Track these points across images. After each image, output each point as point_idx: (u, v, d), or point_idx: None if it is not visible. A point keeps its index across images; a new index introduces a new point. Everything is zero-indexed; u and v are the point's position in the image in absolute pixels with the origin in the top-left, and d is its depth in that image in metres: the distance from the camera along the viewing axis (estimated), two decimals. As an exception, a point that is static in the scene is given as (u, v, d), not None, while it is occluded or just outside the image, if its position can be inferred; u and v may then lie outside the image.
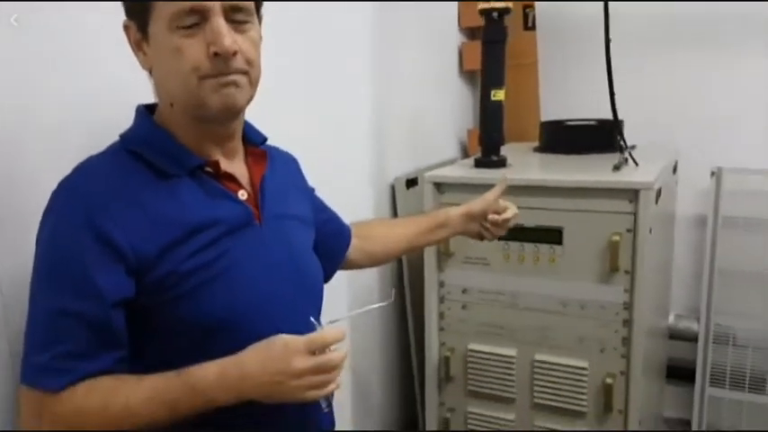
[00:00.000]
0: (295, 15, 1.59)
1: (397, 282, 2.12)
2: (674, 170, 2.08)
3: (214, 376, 0.83)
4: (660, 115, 2.37)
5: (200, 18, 0.85)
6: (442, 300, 1.82)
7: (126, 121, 0.96)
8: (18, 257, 0.96)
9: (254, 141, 1.04)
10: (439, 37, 2.41)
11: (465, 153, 2.57)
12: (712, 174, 2.23)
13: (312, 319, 0.91)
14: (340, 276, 1.31)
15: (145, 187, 0.89)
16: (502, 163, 1.82)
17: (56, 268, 0.85)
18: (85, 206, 0.85)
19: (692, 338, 2.36)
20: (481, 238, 1.39)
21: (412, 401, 2.17)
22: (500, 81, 1.80)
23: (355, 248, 1.32)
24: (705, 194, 2.27)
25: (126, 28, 0.92)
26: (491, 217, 1.35)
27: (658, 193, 1.65)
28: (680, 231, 2.35)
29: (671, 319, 2.40)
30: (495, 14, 1.76)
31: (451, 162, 2.37)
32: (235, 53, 0.87)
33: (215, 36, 0.85)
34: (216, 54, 0.85)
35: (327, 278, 1.20)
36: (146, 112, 0.96)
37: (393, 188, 2.10)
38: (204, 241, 0.89)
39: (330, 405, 0.96)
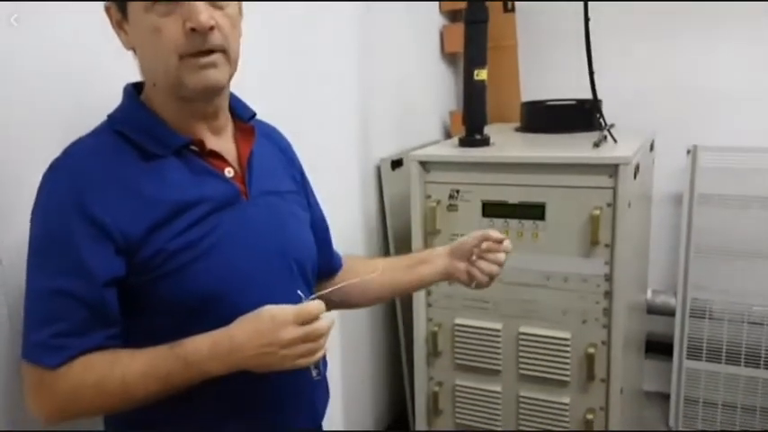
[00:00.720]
0: (281, 3, 1.61)
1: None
2: (651, 148, 2.13)
3: (206, 349, 0.85)
4: (638, 94, 2.43)
5: None
6: (428, 276, 1.86)
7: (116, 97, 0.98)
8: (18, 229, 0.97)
9: (241, 117, 1.04)
10: (421, 20, 2.44)
11: (447, 134, 2.61)
12: (688, 152, 2.29)
13: (299, 291, 0.91)
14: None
15: (131, 168, 0.91)
16: (485, 142, 1.87)
17: (48, 248, 0.87)
18: (74, 188, 0.87)
19: (669, 313, 2.43)
20: (471, 280, 1.20)
21: (400, 378, 2.21)
22: (482, 61, 1.84)
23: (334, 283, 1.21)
24: (681, 172, 2.33)
25: (107, 9, 0.93)
26: (486, 244, 1.18)
27: (636, 168, 1.70)
28: (657, 209, 2.42)
29: (649, 294, 2.47)
30: (477, -5, 1.79)
31: (435, 143, 2.41)
32: (212, 28, 0.87)
33: (191, 12, 0.85)
34: (193, 30, 0.86)
35: None
36: (133, 91, 0.97)
37: (379, 169, 2.14)
38: (191, 220, 0.91)
39: (320, 373, 0.98)
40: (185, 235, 0.90)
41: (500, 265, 1.19)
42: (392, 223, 2.15)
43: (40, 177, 0.90)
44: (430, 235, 1.83)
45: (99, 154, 0.91)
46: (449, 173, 1.80)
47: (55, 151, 0.92)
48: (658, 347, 2.51)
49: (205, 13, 0.86)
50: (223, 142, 1.00)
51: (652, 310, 2.47)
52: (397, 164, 2.20)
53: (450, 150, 1.87)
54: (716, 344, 2.34)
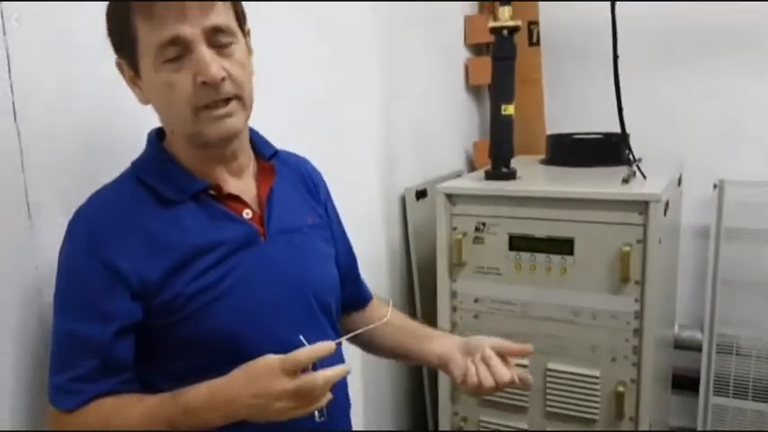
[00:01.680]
0: (305, 31, 1.63)
1: (407, 291, 2.15)
2: (679, 182, 2.12)
3: (203, 398, 0.86)
4: (664, 128, 2.42)
5: (183, 49, 0.86)
6: (454, 309, 1.85)
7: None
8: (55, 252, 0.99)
9: (262, 155, 1.05)
10: (446, 53, 2.45)
11: (471, 165, 2.61)
12: (715, 186, 2.27)
13: (301, 336, 0.89)
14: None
15: (149, 214, 0.93)
16: (512, 175, 1.86)
17: (69, 293, 0.91)
18: (93, 235, 0.91)
19: (696, 348, 2.39)
20: (462, 381, 1.09)
21: (422, 412, 2.19)
22: (510, 96, 1.84)
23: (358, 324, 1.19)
24: (708, 206, 2.31)
25: (119, 65, 0.94)
26: (488, 352, 1.08)
27: (666, 204, 1.69)
28: (684, 242, 2.40)
29: (675, 329, 2.44)
30: (505, 32, 1.80)
31: (458, 174, 2.41)
32: (223, 79, 0.88)
33: (200, 66, 0.86)
34: (204, 83, 0.87)
35: None
36: (155, 137, 1.00)
37: (403, 199, 2.14)
38: (208, 263, 0.92)
39: (325, 415, 0.93)
40: (203, 278, 0.92)
41: (498, 384, 1.06)
42: (416, 253, 2.14)
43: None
44: (455, 267, 1.82)
45: (119, 201, 0.94)
46: (475, 205, 1.79)
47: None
48: (685, 383, 2.47)
49: (214, 65, 0.87)
50: (243, 182, 1.01)
51: (678, 344, 2.43)
52: (421, 194, 2.20)
53: (476, 183, 1.86)
54: (743, 380, 2.31)
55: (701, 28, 2.38)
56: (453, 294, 1.85)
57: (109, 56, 1.09)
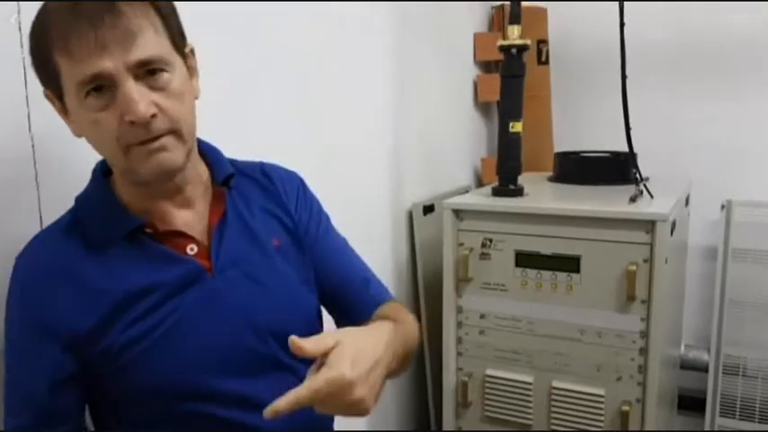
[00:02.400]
0: (314, 46, 1.64)
1: (413, 306, 2.15)
2: (687, 202, 2.12)
3: None
4: (671, 147, 2.43)
5: (108, 84, 0.79)
6: (459, 325, 1.85)
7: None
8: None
9: (216, 181, 0.96)
10: (455, 69, 2.47)
11: (479, 181, 2.62)
12: (723, 206, 2.27)
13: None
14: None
15: (79, 259, 0.87)
16: (519, 192, 1.87)
17: (8, 346, 0.89)
18: (24, 290, 0.87)
19: (702, 369, 2.38)
20: None
21: (426, 414, 2.18)
22: (518, 114, 1.85)
23: None
24: (716, 226, 2.31)
25: (47, 97, 0.87)
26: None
27: (673, 224, 1.69)
28: (691, 262, 2.39)
29: (681, 349, 2.43)
30: (514, 51, 1.81)
31: (466, 189, 2.42)
32: (154, 116, 0.80)
33: (127, 104, 0.78)
34: (132, 122, 0.79)
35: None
36: (100, 170, 0.94)
37: (410, 214, 2.14)
38: (142, 309, 0.86)
39: None
40: (137, 326, 0.86)
41: None
42: (422, 268, 2.15)
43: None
44: (462, 282, 1.83)
45: (51, 250, 0.89)
46: (482, 221, 1.80)
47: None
48: (691, 404, 2.45)
49: (142, 103, 0.79)
50: (192, 213, 0.93)
51: (685, 365, 2.42)
52: (428, 209, 2.20)
53: (483, 199, 1.87)
54: (749, 401, 2.29)
55: (710, 48, 2.39)
56: (459, 310, 1.85)
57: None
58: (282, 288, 0.97)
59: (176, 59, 0.84)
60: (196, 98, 0.89)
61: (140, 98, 0.78)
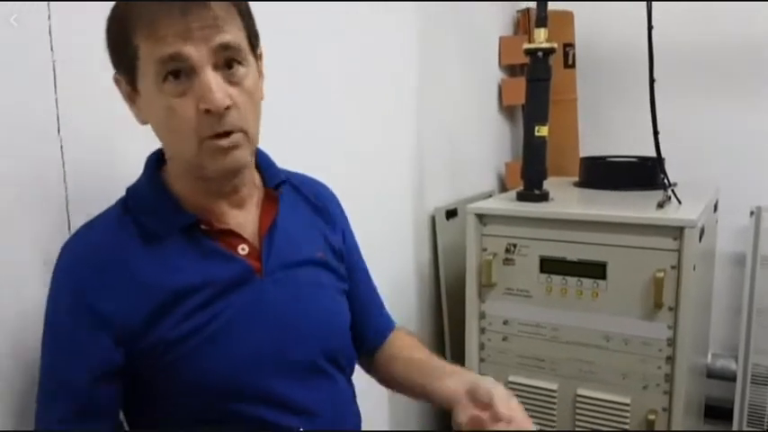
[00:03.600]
0: (339, 50, 1.64)
1: (435, 311, 2.14)
2: (715, 208, 2.09)
3: None
4: (699, 152, 2.39)
5: (187, 71, 0.80)
6: (482, 331, 1.84)
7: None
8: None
9: (269, 184, 0.97)
10: (480, 73, 2.46)
11: (503, 185, 2.60)
12: (752, 213, 2.23)
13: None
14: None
15: (133, 251, 0.87)
16: (544, 197, 1.85)
17: (51, 334, 0.86)
18: (74, 279, 0.85)
19: (729, 378, 2.34)
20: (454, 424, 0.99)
21: (447, 412, 2.16)
22: (544, 118, 1.83)
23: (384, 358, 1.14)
24: (744, 233, 2.27)
25: (117, 81, 0.88)
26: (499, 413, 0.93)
27: (702, 230, 1.66)
28: (719, 269, 2.35)
29: (709, 357, 2.39)
30: (540, 54, 1.80)
31: (489, 194, 2.41)
32: (228, 108, 0.81)
33: (204, 92, 0.79)
34: (208, 111, 0.80)
35: None
36: (154, 161, 0.94)
37: (433, 219, 2.13)
38: (193, 306, 0.86)
39: None
40: (188, 322, 0.85)
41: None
42: (445, 273, 2.14)
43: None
44: (485, 288, 1.81)
45: (103, 241, 0.88)
46: (506, 226, 1.78)
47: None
48: (718, 413, 2.41)
49: (219, 93, 0.80)
50: (244, 214, 0.94)
51: (712, 374, 2.39)
52: (451, 214, 2.19)
53: (508, 204, 1.85)
54: (778, 412, 2.25)
55: (740, 51, 2.36)
56: (482, 315, 1.84)
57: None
58: (324, 297, 1.00)
59: (251, 58, 0.86)
60: (261, 100, 0.90)
61: (218, 88, 0.80)
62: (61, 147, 0.99)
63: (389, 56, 1.88)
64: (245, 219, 0.94)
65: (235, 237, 0.91)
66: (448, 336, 2.10)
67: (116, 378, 0.86)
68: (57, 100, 0.98)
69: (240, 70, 0.83)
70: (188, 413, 0.87)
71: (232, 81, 0.82)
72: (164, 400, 0.88)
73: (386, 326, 1.16)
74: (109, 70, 0.88)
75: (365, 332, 1.12)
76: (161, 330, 0.84)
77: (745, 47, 2.35)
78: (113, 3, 0.84)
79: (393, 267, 1.90)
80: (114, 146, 1.08)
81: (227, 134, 0.82)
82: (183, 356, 0.85)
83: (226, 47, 0.81)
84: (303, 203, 1.04)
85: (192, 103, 0.80)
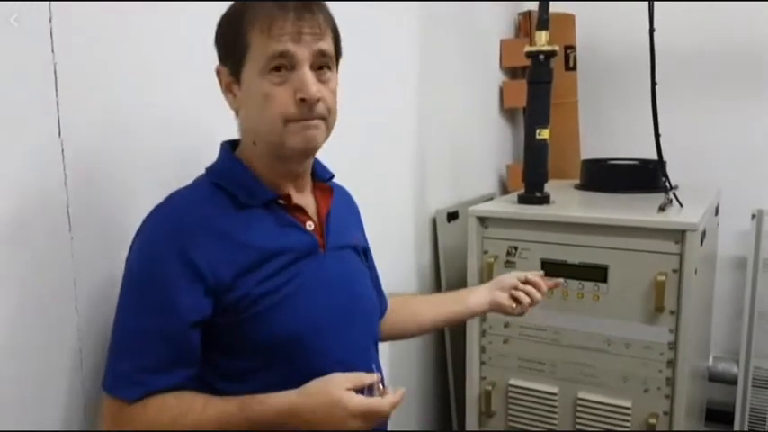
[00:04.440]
0: (343, 54, 1.63)
1: (436, 314, 2.13)
2: (716, 212, 2.08)
3: (272, 416, 0.90)
4: (700, 155, 2.39)
5: (289, 65, 0.94)
6: (483, 333, 1.84)
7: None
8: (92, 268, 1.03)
9: (321, 177, 1.12)
10: (481, 75, 2.45)
11: (504, 188, 2.60)
12: (753, 216, 2.23)
13: (374, 366, 0.99)
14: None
15: (224, 216, 0.98)
16: (545, 200, 1.85)
17: (142, 286, 0.94)
18: (172, 231, 0.94)
19: (731, 381, 2.34)
20: (515, 304, 1.29)
21: (448, 413, 2.16)
22: (545, 120, 1.83)
23: (386, 321, 1.31)
24: (745, 236, 2.27)
25: (218, 72, 1.01)
26: (533, 277, 1.31)
27: (703, 234, 1.66)
28: (720, 273, 2.35)
29: (710, 361, 2.38)
30: (541, 57, 1.80)
31: (490, 196, 2.40)
32: (318, 100, 0.95)
33: (302, 83, 0.93)
34: (302, 100, 0.94)
35: None
36: (229, 147, 1.06)
37: (434, 221, 2.13)
38: (275, 267, 0.97)
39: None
40: (270, 281, 0.96)
41: (540, 295, 1.30)
42: (446, 275, 2.13)
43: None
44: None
45: (196, 202, 0.99)
46: (507, 229, 1.78)
47: (154, 195, 0.99)
48: (719, 417, 2.41)
49: (315, 86, 0.94)
50: (305, 198, 1.07)
51: (713, 377, 2.38)
52: (452, 216, 2.19)
53: (509, 207, 1.85)
54: (780, 416, 2.24)
55: (741, 54, 2.36)
56: (483, 318, 1.83)
57: (156, 73, 1.11)
58: (363, 278, 1.15)
59: (335, 67, 1.01)
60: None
61: (313, 82, 0.94)
62: (62, 150, 0.99)
63: (391, 58, 1.87)
64: (306, 201, 1.07)
65: (304, 214, 1.05)
66: (449, 338, 2.09)
67: (202, 328, 0.94)
68: (57, 102, 0.98)
69: (328, 73, 0.98)
70: (256, 365, 0.97)
71: (321, 80, 0.97)
72: (235, 352, 0.97)
73: (386, 300, 1.33)
74: (111, 71, 0.87)
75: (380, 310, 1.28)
76: (247, 286, 0.95)
77: (747, 49, 2.34)
78: (134, 3, 0.91)
79: (394, 269, 1.89)
80: (115, 147, 1.08)
81: (312, 118, 0.96)
82: (260, 312, 0.95)
83: (323, 53, 0.96)
84: (340, 201, 1.16)
85: (289, 92, 0.94)
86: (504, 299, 1.30)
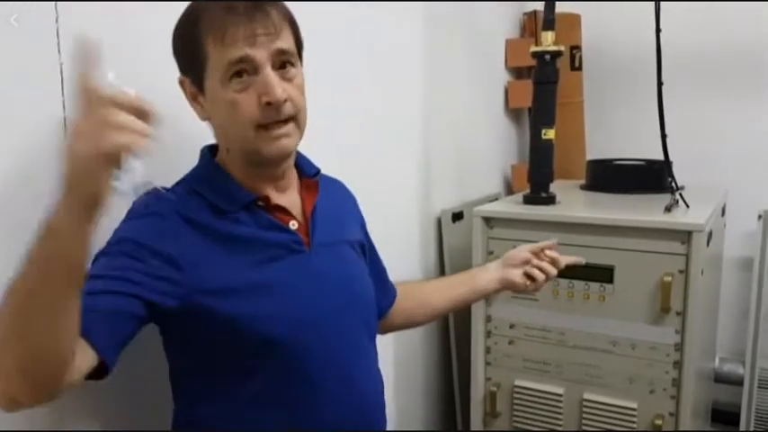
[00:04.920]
0: (344, 51, 1.64)
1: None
2: (723, 212, 2.08)
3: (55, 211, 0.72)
4: (706, 156, 2.38)
5: (250, 70, 0.92)
6: (488, 334, 1.83)
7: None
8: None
9: (307, 173, 1.10)
10: (486, 75, 2.45)
11: (509, 188, 2.59)
12: (759, 217, 2.22)
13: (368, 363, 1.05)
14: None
15: (205, 219, 0.97)
16: (551, 200, 1.84)
17: (114, 247, 0.90)
18: (154, 222, 0.93)
19: (736, 382, 2.32)
20: (529, 281, 1.29)
21: (452, 413, 2.16)
22: (551, 120, 1.83)
23: (396, 310, 1.31)
24: (752, 237, 2.26)
25: (181, 83, 1.00)
26: (549, 252, 1.31)
27: (710, 235, 1.65)
28: (726, 274, 2.34)
29: (716, 362, 2.38)
30: (547, 57, 1.79)
31: (495, 197, 2.40)
32: (285, 101, 0.93)
33: (266, 87, 0.92)
34: (268, 103, 0.92)
35: None
36: (208, 153, 1.05)
37: (439, 221, 2.13)
38: (254, 259, 0.97)
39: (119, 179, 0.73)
40: (247, 274, 0.95)
41: (556, 270, 1.30)
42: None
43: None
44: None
45: (178, 203, 0.97)
46: (513, 230, 1.78)
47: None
48: (724, 418, 2.40)
49: (279, 88, 0.92)
50: (289, 198, 1.06)
51: (719, 378, 2.37)
52: (457, 216, 2.19)
53: (514, 207, 1.85)
54: (785, 417, 2.23)
55: (747, 54, 2.35)
56: (488, 319, 1.83)
57: (161, 73, 1.11)
58: (358, 272, 1.13)
59: (298, 62, 0.99)
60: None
61: (277, 83, 0.92)
62: (68, 149, 0.99)
63: (395, 58, 1.87)
64: (290, 202, 1.05)
65: (286, 214, 1.03)
66: (453, 339, 2.09)
67: (147, 318, 0.90)
68: (64, 102, 0.98)
69: (292, 70, 0.96)
70: (241, 364, 0.95)
71: (286, 78, 0.95)
72: (216, 349, 0.95)
73: (394, 289, 1.32)
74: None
75: (383, 298, 1.26)
76: (226, 278, 0.94)
77: (754, 50, 2.33)
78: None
79: (399, 269, 1.87)
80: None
81: (284, 122, 0.95)
82: (238, 307, 0.93)
83: (282, 52, 0.94)
84: (331, 195, 1.14)
85: (254, 97, 0.92)
86: (516, 276, 1.29)
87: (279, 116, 0.94)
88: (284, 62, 0.95)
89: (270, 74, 0.92)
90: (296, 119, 0.97)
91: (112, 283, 0.86)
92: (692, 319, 1.57)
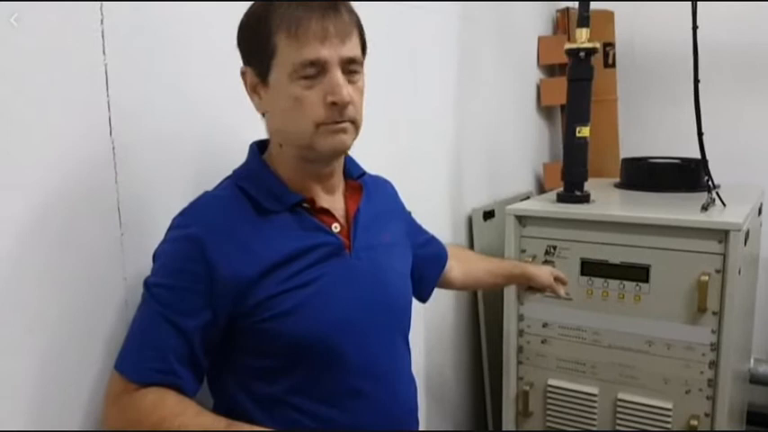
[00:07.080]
0: (377, 51, 1.63)
1: (472, 313, 2.13)
2: (760, 212, 2.04)
3: None
4: (742, 154, 2.34)
5: (319, 69, 0.93)
6: (521, 333, 1.83)
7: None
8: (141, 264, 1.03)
9: (351, 175, 1.11)
10: (518, 73, 2.44)
11: (540, 186, 2.58)
12: (797, 215, 2.18)
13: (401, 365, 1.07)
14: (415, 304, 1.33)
15: (248, 221, 0.98)
16: (585, 198, 1.83)
17: (164, 281, 0.95)
18: (196, 233, 0.95)
19: (772, 384, 2.29)
20: (547, 285, 1.48)
21: (483, 413, 2.16)
22: (585, 118, 1.82)
23: (453, 269, 1.42)
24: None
25: (242, 73, 1.00)
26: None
27: (747, 234, 1.63)
28: (761, 273, 2.30)
29: (751, 363, 2.34)
30: (581, 54, 1.78)
31: (526, 195, 2.39)
32: (349, 103, 0.95)
33: (333, 87, 0.93)
34: (333, 103, 0.93)
35: (425, 297, 1.37)
36: (257, 150, 1.06)
37: (470, 219, 2.13)
38: (298, 267, 0.97)
39: None
40: (291, 281, 0.96)
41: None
42: (482, 275, 2.12)
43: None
44: (523, 290, 1.80)
45: (221, 206, 0.99)
46: (546, 228, 1.77)
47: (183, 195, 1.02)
48: (759, 419, 2.37)
49: (345, 89, 0.94)
50: (333, 200, 1.07)
51: (754, 379, 2.34)
52: (488, 215, 2.18)
53: (548, 205, 1.84)
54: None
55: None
56: (521, 318, 1.83)
57: (202, 74, 1.13)
58: (395, 279, 1.13)
59: (363, 68, 1.00)
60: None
61: (345, 85, 0.94)
62: (113, 148, 1.01)
63: (428, 56, 1.87)
64: (334, 203, 1.06)
65: (330, 216, 1.04)
66: (485, 338, 2.09)
67: (212, 332, 0.95)
68: (108, 102, 1.00)
69: (356, 75, 0.98)
70: (284, 364, 0.97)
71: (350, 81, 0.96)
72: (262, 351, 0.97)
73: (444, 247, 1.43)
74: (160, 72, 0.88)
75: (441, 263, 1.40)
76: (269, 287, 0.95)
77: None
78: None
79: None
80: (166, 146, 1.10)
81: (342, 122, 0.96)
82: (282, 312, 0.95)
83: (351, 60, 0.96)
84: (375, 197, 1.15)
85: (319, 96, 0.93)
86: (545, 277, 1.48)
87: (341, 117, 0.95)
88: (352, 69, 0.96)
89: (338, 75, 0.93)
90: (355, 122, 0.98)
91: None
92: (728, 318, 1.56)
